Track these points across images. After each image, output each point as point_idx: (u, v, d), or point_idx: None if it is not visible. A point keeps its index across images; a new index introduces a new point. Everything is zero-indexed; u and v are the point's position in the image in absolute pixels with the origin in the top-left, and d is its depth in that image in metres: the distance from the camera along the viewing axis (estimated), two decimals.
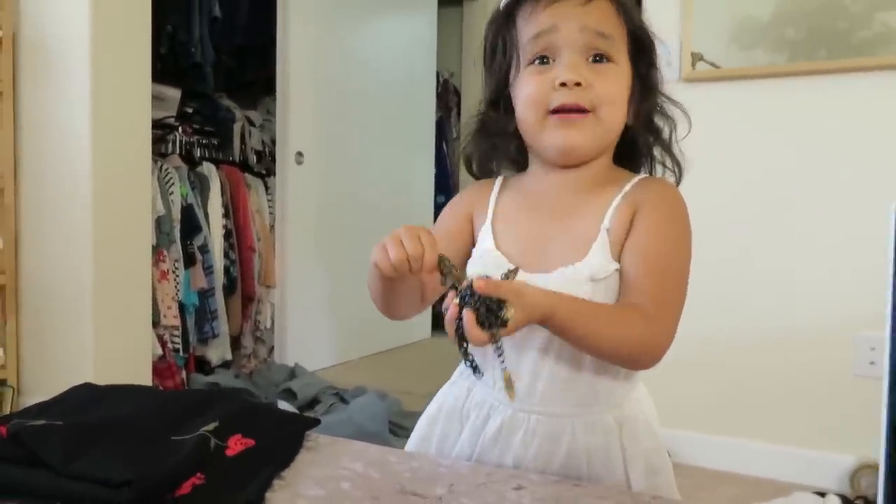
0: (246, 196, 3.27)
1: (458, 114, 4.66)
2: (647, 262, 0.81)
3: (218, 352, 3.11)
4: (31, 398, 2.49)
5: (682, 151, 0.92)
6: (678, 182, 0.91)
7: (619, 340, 0.76)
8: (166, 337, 2.81)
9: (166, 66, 3.02)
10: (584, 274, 0.81)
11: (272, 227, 3.39)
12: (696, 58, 2.20)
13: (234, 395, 0.92)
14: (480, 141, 0.94)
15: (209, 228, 3.02)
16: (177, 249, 2.86)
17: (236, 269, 3.18)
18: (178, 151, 3.05)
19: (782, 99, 2.15)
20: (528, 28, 0.86)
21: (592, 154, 0.87)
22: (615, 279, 0.82)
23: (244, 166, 3.38)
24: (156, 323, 2.73)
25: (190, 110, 3.21)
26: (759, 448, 2.17)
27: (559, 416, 0.84)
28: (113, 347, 2.48)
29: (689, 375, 2.17)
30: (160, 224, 2.78)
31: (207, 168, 3.11)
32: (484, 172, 0.96)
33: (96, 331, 2.43)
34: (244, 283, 3.23)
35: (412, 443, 0.94)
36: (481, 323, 0.66)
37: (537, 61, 0.85)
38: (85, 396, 0.88)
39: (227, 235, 3.15)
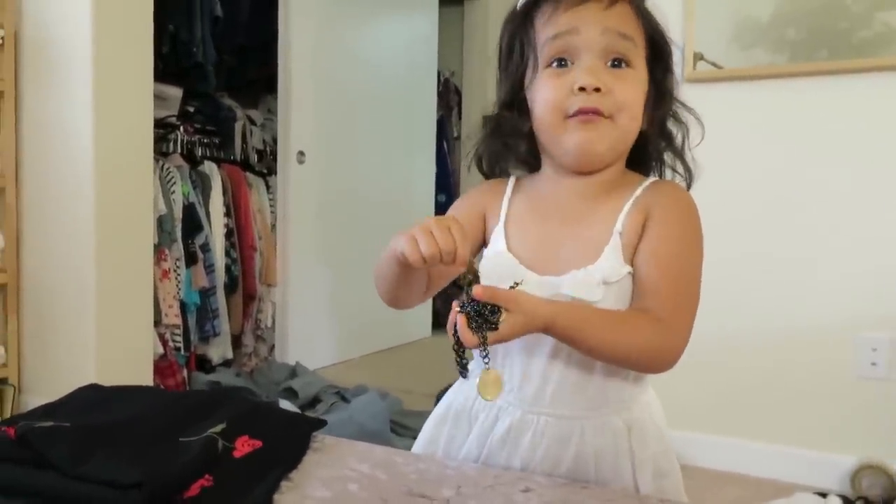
0: (247, 195, 3.27)
1: (459, 113, 4.65)
2: (660, 267, 0.81)
3: (219, 350, 3.11)
4: (33, 397, 2.49)
5: (695, 158, 0.91)
6: (688, 187, 0.91)
7: (628, 347, 0.77)
8: (167, 335, 2.81)
9: (168, 65, 3.01)
10: (597, 277, 0.81)
11: (273, 225, 3.39)
12: (697, 58, 2.20)
13: (234, 393, 0.92)
14: (492, 141, 0.93)
15: (210, 227, 3.03)
16: (178, 248, 2.86)
17: (237, 268, 3.18)
18: (179, 150, 3.05)
19: (783, 99, 2.15)
20: (546, 29, 0.85)
21: (608, 160, 0.86)
22: (628, 283, 0.82)
23: (245, 165, 3.38)
24: (157, 322, 2.73)
25: (191, 109, 3.21)
26: (760, 449, 2.17)
27: (568, 419, 0.84)
28: (114, 346, 2.48)
29: (690, 376, 2.16)
30: (162, 223, 2.78)
31: (209, 167, 3.11)
32: (494, 172, 0.96)
33: (97, 329, 2.44)
34: (245, 281, 3.24)
35: (420, 444, 0.94)
36: (473, 326, 0.69)
37: (555, 63, 0.84)
38: (91, 398, 0.88)
39: (229, 234, 3.15)
